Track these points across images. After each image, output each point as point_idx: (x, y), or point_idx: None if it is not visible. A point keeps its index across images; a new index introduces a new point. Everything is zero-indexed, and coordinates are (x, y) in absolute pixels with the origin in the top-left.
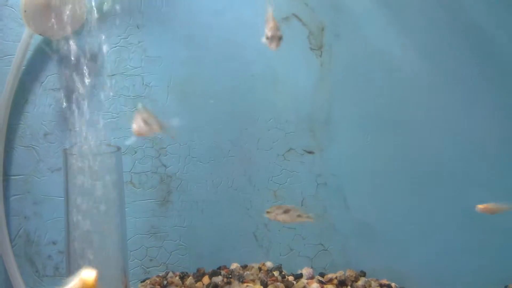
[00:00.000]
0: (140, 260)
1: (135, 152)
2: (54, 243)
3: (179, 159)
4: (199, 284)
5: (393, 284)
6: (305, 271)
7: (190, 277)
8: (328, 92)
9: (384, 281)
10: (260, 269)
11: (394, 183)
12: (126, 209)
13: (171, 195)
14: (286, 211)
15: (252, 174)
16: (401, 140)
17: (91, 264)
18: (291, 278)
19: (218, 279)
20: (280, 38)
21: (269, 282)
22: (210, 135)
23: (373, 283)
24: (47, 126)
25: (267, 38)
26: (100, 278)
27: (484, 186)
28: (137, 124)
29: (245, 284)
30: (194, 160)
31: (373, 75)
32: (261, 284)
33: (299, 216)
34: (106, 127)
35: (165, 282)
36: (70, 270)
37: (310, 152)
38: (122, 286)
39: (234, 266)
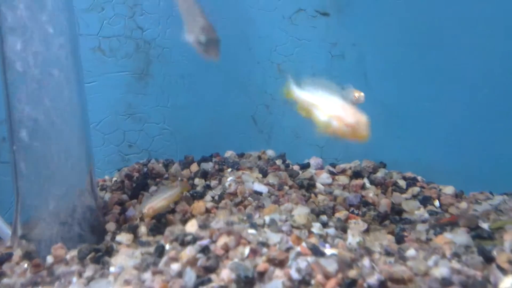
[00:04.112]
0: (117, 146)
1: (103, 9)
2: None
3: (159, 20)
4: (186, 171)
5: (419, 178)
6: (313, 161)
7: (176, 164)
8: None
9: (409, 174)
10: (259, 157)
11: (427, 58)
12: (95, 83)
13: (150, 67)
14: None
15: (251, 42)
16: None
17: (42, 151)
18: (296, 167)
19: (208, 166)
20: None
21: (269, 171)
22: None
23: (395, 175)
24: None
25: None
26: (56, 165)
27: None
28: None
29: (241, 171)
30: (178, 22)
31: None
32: (259, 172)
33: None
34: None
35: (145, 169)
36: (16, 158)
37: (324, 14)
38: (88, 175)
39: (229, 154)
